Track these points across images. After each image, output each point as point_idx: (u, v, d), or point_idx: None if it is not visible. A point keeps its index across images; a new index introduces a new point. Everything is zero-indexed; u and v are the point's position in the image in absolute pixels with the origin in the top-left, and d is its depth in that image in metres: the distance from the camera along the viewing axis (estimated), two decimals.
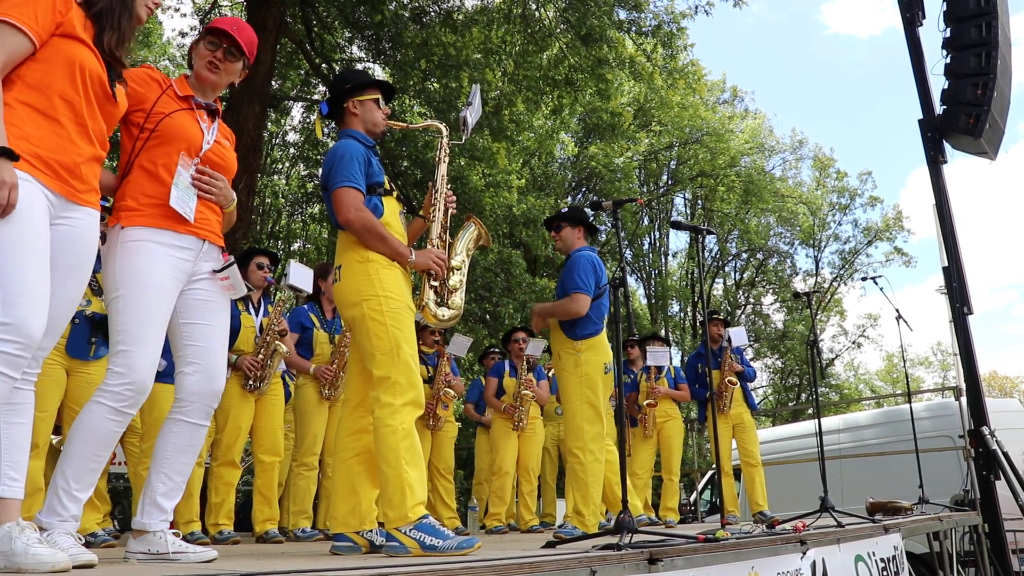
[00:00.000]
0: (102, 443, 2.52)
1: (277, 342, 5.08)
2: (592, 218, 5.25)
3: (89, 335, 4.26)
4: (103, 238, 2.67)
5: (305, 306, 5.74)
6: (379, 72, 14.67)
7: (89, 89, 2.35)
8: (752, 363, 7.95)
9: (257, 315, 5.27)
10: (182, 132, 2.78)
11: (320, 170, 15.64)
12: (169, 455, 2.76)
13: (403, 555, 2.91)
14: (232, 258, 2.89)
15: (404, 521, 2.97)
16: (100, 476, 4.72)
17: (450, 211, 3.63)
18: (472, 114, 3.81)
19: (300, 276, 5.21)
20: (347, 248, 3.35)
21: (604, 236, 22.77)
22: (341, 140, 3.46)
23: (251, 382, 5.02)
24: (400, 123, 3.87)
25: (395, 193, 3.52)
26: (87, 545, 2.46)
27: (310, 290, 5.43)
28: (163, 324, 2.67)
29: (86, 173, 2.38)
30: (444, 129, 3.75)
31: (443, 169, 3.67)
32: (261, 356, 5.06)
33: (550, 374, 7.59)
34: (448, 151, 3.73)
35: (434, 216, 3.55)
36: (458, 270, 3.71)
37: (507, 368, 7.25)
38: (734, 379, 7.28)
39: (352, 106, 3.57)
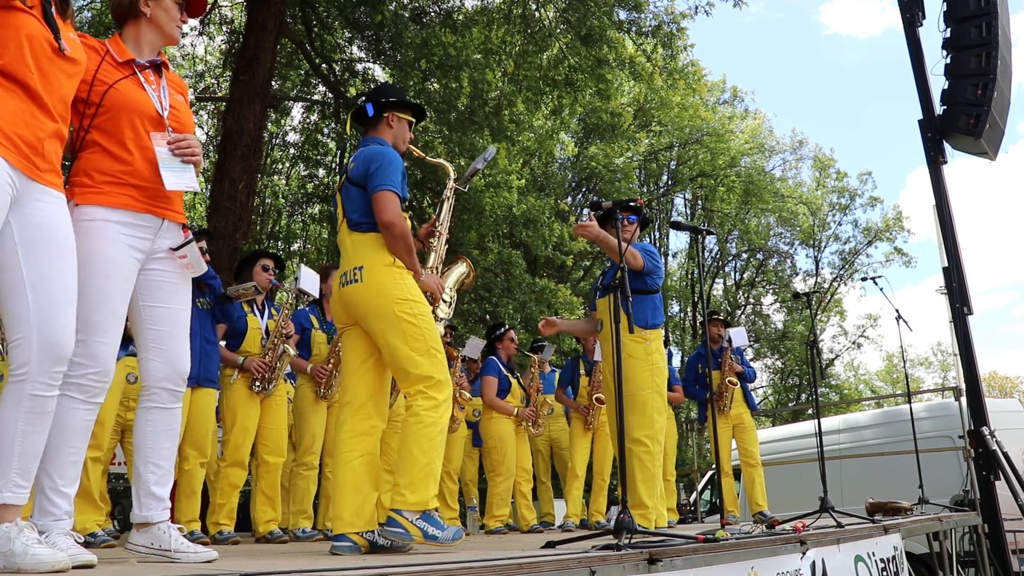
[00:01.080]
0: (77, 435, 2.47)
1: (284, 345, 5.10)
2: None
3: None
4: None
5: (307, 308, 5.75)
6: (379, 72, 14.67)
7: (39, 56, 2.25)
8: (752, 363, 7.95)
9: (262, 317, 5.29)
10: (131, 103, 2.64)
11: (320, 170, 15.40)
12: (151, 443, 2.72)
13: (406, 541, 3.06)
14: (191, 235, 2.78)
15: (423, 507, 3.12)
16: (102, 477, 4.77)
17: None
18: (481, 165, 4.24)
19: (309, 280, 5.23)
20: (373, 250, 3.39)
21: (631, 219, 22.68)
22: (383, 147, 3.54)
23: (258, 384, 5.04)
24: (418, 152, 3.97)
25: (409, 213, 3.66)
26: (87, 545, 2.46)
27: (318, 295, 5.46)
28: (123, 309, 2.59)
29: (48, 151, 2.30)
30: (452, 172, 3.94)
31: (447, 206, 3.82)
32: (269, 358, 5.08)
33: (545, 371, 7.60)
34: (453, 190, 3.91)
35: (434, 247, 3.71)
36: (447, 304, 3.83)
37: (501, 367, 7.17)
38: (734, 379, 7.27)
39: (392, 118, 3.69)
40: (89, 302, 2.47)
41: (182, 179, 2.67)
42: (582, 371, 7.29)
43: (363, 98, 3.85)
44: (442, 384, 3.30)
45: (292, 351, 5.14)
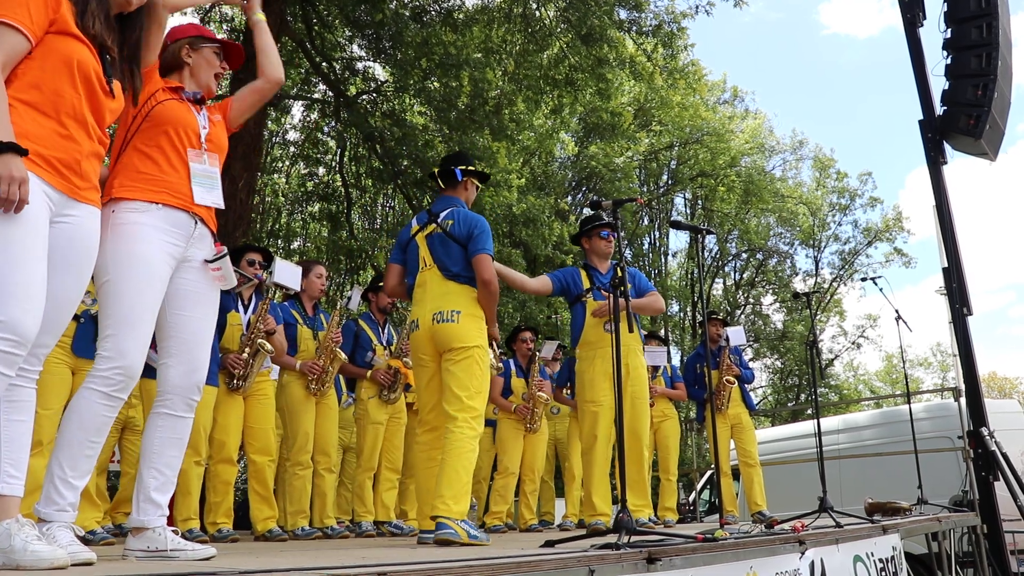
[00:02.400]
0: (95, 429, 2.51)
1: (261, 341, 5.05)
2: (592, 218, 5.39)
3: (94, 334, 4.25)
4: None
5: (286, 303, 5.71)
6: (379, 71, 14.67)
7: (87, 85, 2.35)
8: (751, 363, 7.98)
9: (246, 313, 5.24)
10: (174, 115, 2.80)
11: (320, 169, 15.48)
12: (157, 449, 2.75)
13: (455, 539, 3.57)
14: (225, 249, 2.87)
15: (463, 516, 3.70)
16: (100, 474, 4.77)
17: None
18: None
19: (286, 273, 5.16)
20: (468, 301, 4.05)
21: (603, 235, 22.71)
22: (479, 216, 4.20)
23: (234, 380, 5.00)
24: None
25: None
26: (86, 542, 2.46)
27: (298, 288, 5.41)
28: (154, 310, 2.66)
29: (86, 170, 2.37)
30: None
31: None
32: (245, 354, 5.03)
33: (551, 372, 7.61)
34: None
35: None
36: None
37: (512, 367, 7.23)
38: (732, 379, 7.28)
39: (469, 182, 4.42)
40: (123, 301, 2.56)
41: (210, 196, 2.82)
42: None
43: (446, 163, 4.45)
44: (481, 418, 3.97)
45: (269, 347, 5.08)
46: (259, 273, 5.24)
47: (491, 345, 4.31)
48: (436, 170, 4.46)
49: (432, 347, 4.05)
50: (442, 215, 4.20)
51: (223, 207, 2.90)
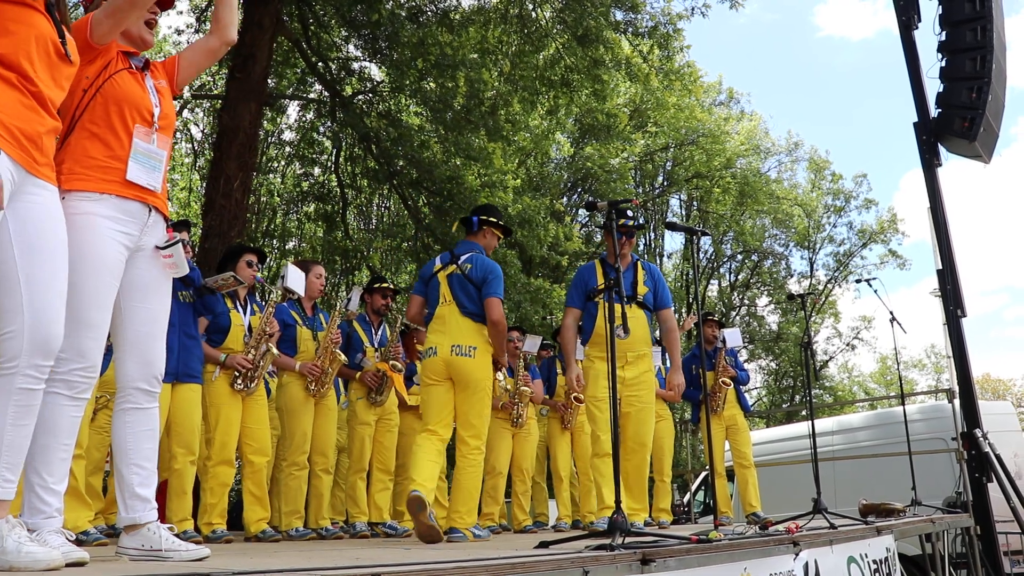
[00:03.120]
0: (64, 432, 2.46)
1: (268, 343, 5.06)
2: (588, 218, 5.46)
3: None
4: None
5: (285, 303, 5.71)
6: (375, 71, 14.66)
7: (46, 59, 2.28)
8: (746, 364, 7.97)
9: (245, 314, 5.24)
10: (127, 94, 2.67)
11: (315, 169, 15.45)
12: (132, 445, 2.71)
13: (463, 541, 4.36)
14: (177, 236, 2.79)
15: (473, 524, 4.59)
16: (95, 473, 4.76)
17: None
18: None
19: (296, 279, 5.20)
20: (482, 338, 4.65)
21: (599, 237, 22.76)
22: (493, 262, 4.79)
23: (240, 382, 5.00)
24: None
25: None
26: (79, 543, 2.45)
27: (304, 293, 5.43)
28: (110, 305, 2.58)
29: (45, 145, 2.31)
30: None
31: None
32: (252, 356, 5.03)
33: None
34: None
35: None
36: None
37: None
38: (727, 380, 7.28)
39: (490, 232, 4.97)
40: (78, 298, 2.46)
41: (147, 177, 2.67)
42: (559, 370, 7.29)
43: (472, 212, 5.06)
44: (484, 443, 4.70)
45: (275, 350, 5.10)
46: (257, 275, 5.24)
47: (498, 369, 5.06)
48: (461, 217, 5.12)
49: (446, 372, 4.62)
50: (462, 258, 4.77)
51: (159, 190, 2.72)
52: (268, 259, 15.37)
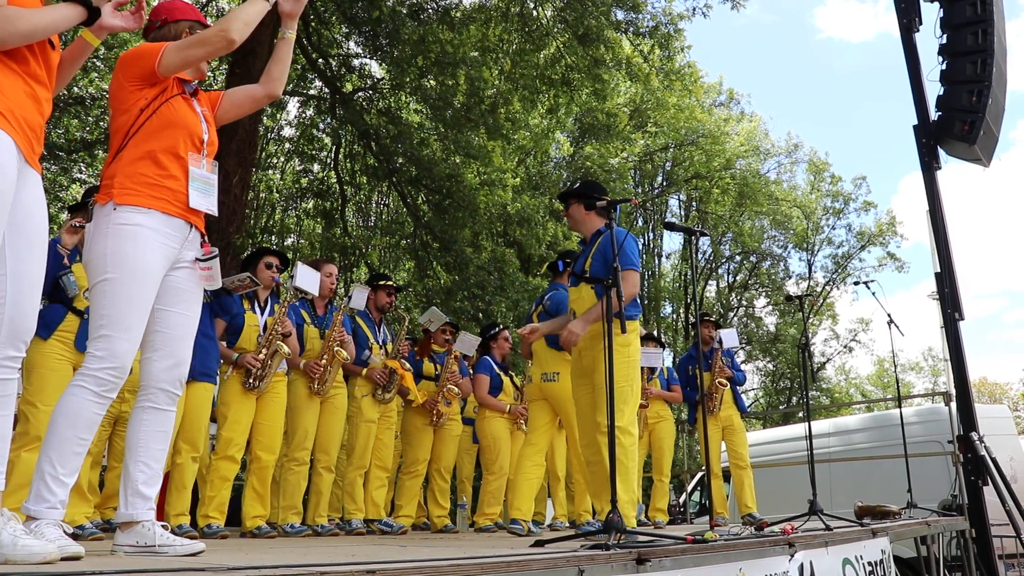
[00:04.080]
0: (84, 426, 2.50)
1: (279, 343, 5.08)
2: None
3: None
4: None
5: (296, 303, 5.72)
6: (375, 68, 14.64)
7: (40, 45, 2.30)
8: (744, 365, 7.97)
9: (262, 314, 5.26)
10: (181, 119, 2.79)
11: (315, 166, 15.44)
12: (143, 443, 2.75)
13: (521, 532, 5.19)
14: (215, 250, 2.89)
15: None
16: (93, 468, 4.75)
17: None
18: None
19: (307, 278, 5.21)
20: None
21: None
22: (562, 294, 5.46)
23: (251, 380, 5.02)
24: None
25: None
26: (75, 537, 2.45)
27: (316, 293, 5.44)
28: (147, 312, 2.67)
29: (41, 136, 2.35)
30: None
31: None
32: (263, 355, 5.06)
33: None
34: None
35: None
36: None
37: (494, 365, 7.14)
38: (724, 380, 7.29)
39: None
40: (119, 302, 2.57)
41: (205, 201, 2.85)
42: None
43: (557, 256, 6.15)
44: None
45: (286, 350, 5.11)
46: (276, 277, 5.28)
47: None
48: (548, 263, 6.03)
49: (540, 394, 5.57)
50: (546, 298, 5.79)
51: (216, 214, 2.92)
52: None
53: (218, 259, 2.88)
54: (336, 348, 5.53)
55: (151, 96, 2.75)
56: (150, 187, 2.69)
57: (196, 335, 4.60)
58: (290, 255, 14.98)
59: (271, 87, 3.10)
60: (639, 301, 4.73)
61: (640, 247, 25.91)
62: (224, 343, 5.12)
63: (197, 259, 2.83)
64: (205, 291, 4.78)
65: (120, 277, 2.58)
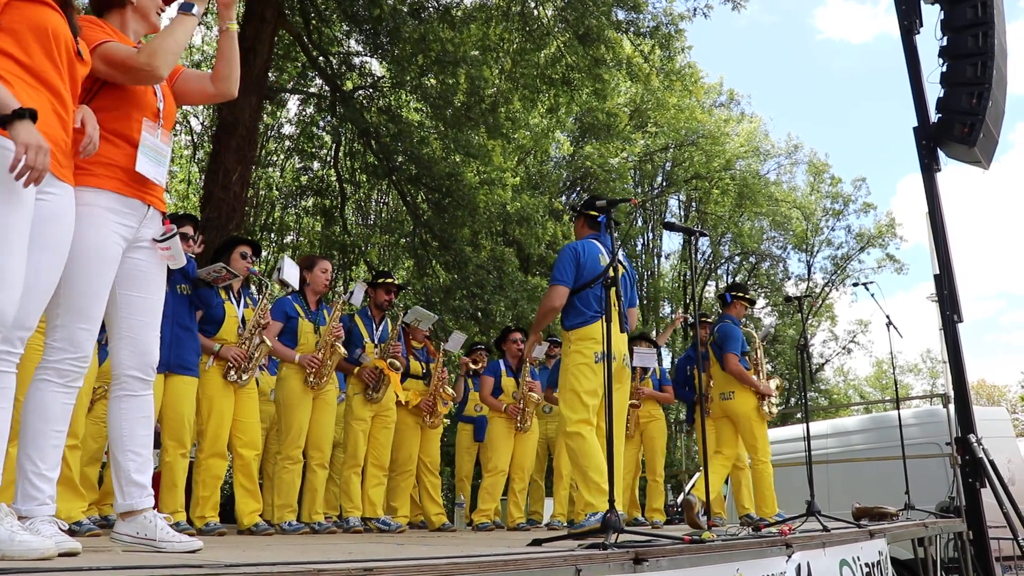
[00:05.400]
0: (57, 418, 2.48)
1: (262, 335, 5.05)
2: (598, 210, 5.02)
3: None
4: None
5: (289, 296, 5.71)
6: (376, 66, 14.64)
7: (66, 56, 2.30)
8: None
9: (239, 305, 5.23)
10: (133, 97, 2.70)
11: (315, 163, 15.45)
12: (127, 432, 2.72)
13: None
14: (174, 227, 2.82)
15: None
16: (92, 464, 4.75)
17: None
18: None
19: (291, 272, 5.19)
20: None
21: None
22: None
23: (234, 373, 4.99)
24: None
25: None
26: (72, 533, 2.45)
27: (298, 286, 5.42)
28: (106, 296, 2.61)
29: (69, 148, 2.35)
30: None
31: None
32: (246, 347, 5.02)
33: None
34: None
35: None
36: None
37: (503, 367, 7.23)
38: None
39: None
40: (73, 287, 2.49)
41: (154, 169, 2.70)
42: None
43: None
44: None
45: (268, 342, 5.08)
46: (251, 267, 5.23)
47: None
48: (719, 294, 6.04)
49: (721, 412, 6.51)
50: (715, 329, 6.43)
51: (163, 184, 2.78)
52: (264, 252, 15.38)
53: (177, 237, 2.80)
54: (334, 343, 5.52)
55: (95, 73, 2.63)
56: (103, 166, 2.61)
57: (174, 327, 4.62)
58: (289, 253, 14.98)
59: (222, 87, 2.92)
60: (590, 307, 4.57)
61: (639, 248, 25.98)
62: (202, 334, 5.02)
63: (155, 239, 2.75)
64: (188, 284, 4.77)
65: (73, 262, 2.46)
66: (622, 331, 4.57)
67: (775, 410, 6.81)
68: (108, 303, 2.66)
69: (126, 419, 2.73)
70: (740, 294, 6.88)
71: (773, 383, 6.83)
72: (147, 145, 2.69)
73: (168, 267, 2.84)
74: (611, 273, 3.60)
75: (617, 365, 4.45)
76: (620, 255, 4.49)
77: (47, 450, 2.45)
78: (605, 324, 3.55)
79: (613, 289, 3.59)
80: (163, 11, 2.92)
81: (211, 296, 5.04)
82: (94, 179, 2.59)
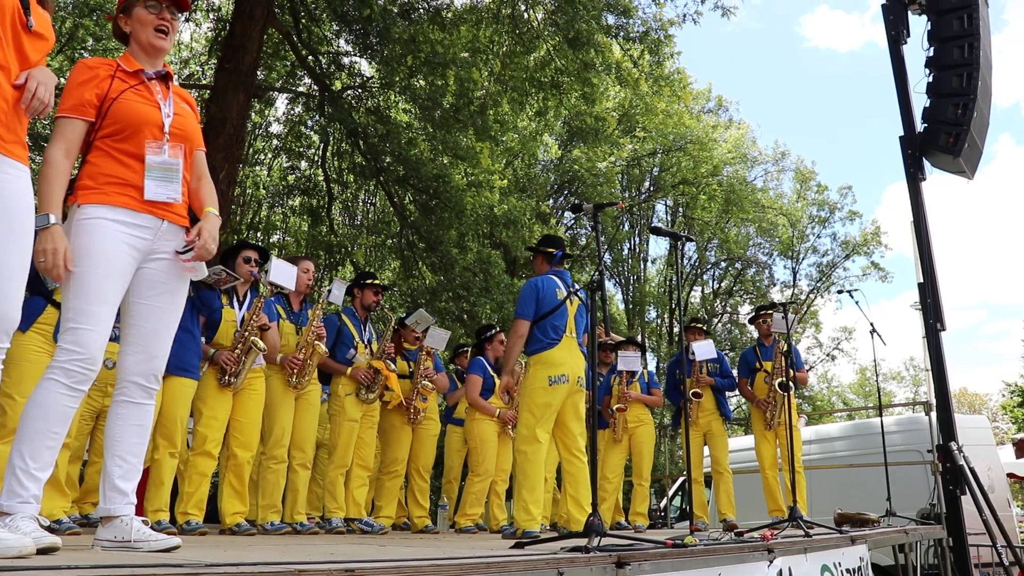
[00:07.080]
0: (57, 420, 2.48)
1: (254, 339, 5.03)
2: (573, 221, 5.57)
3: None
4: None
5: (272, 298, 5.68)
6: (365, 67, 14.62)
7: (10, 27, 2.27)
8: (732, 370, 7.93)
9: (241, 309, 5.22)
10: (135, 116, 2.73)
11: (302, 163, 15.42)
12: (119, 437, 2.74)
13: None
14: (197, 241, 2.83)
15: None
16: (73, 463, 4.71)
17: None
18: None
19: (282, 273, 5.17)
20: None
21: (584, 240, 22.81)
22: (531, 279, 5.30)
23: (226, 377, 4.97)
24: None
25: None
26: (52, 531, 2.43)
27: (293, 287, 5.39)
28: (115, 303, 2.64)
29: (12, 121, 2.30)
30: None
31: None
32: (237, 351, 5.01)
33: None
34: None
35: None
36: None
37: (487, 366, 7.12)
38: (699, 392, 7.31)
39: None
40: (82, 293, 2.54)
41: (165, 191, 2.74)
42: None
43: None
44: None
45: (261, 345, 5.07)
46: (254, 271, 5.23)
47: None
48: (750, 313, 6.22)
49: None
50: None
51: (179, 201, 2.80)
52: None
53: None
54: (315, 343, 5.50)
55: (97, 99, 2.70)
56: (113, 186, 2.66)
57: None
58: (275, 252, 14.93)
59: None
60: (547, 335, 5.19)
61: (626, 252, 26.04)
62: (201, 338, 5.06)
63: (177, 251, 2.79)
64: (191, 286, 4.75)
65: (84, 269, 2.55)
66: (580, 353, 5.25)
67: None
68: (122, 310, 2.72)
69: (120, 425, 2.75)
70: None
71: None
72: (153, 167, 2.73)
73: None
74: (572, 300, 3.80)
75: (571, 385, 5.12)
76: (576, 287, 5.23)
77: (41, 450, 2.45)
78: (589, 330, 3.56)
79: (570, 316, 3.79)
80: (167, 27, 2.89)
81: (213, 299, 5.05)
82: (103, 197, 2.65)
